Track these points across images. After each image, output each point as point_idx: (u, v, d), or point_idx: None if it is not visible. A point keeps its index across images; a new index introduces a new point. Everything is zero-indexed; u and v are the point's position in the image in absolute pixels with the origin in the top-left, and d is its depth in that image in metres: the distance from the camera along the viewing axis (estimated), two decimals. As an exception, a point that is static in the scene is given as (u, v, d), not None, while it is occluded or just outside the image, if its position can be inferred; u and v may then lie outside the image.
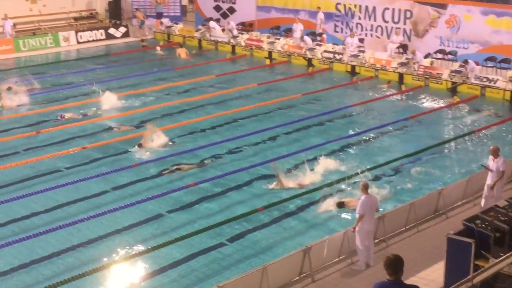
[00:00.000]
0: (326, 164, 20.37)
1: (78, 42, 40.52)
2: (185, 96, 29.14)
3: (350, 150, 22.56)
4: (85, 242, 16.08)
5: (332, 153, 21.88)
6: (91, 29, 41.63)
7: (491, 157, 16.71)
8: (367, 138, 23.76)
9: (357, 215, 14.34)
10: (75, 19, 43.59)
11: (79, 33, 40.85)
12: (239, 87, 30.55)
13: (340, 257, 14.82)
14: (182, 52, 37.29)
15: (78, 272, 14.37)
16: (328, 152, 21.92)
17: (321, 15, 37.26)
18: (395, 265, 8.74)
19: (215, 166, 20.98)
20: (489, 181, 16.74)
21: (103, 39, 41.60)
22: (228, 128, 24.83)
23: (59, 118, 25.30)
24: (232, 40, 38.87)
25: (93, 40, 41.17)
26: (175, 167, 20.59)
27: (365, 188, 14.41)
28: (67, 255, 15.51)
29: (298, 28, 36.79)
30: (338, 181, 19.21)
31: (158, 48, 38.75)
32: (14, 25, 39.24)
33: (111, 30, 42.25)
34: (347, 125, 25.40)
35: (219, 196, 18.72)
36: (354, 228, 14.35)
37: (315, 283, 13.88)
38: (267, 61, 36.12)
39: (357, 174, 19.62)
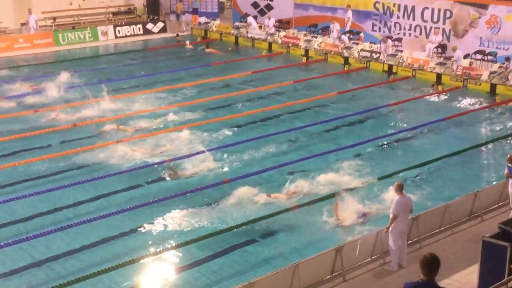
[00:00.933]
0: (357, 165, 20.24)
1: (116, 37, 40.95)
2: (220, 92, 29.22)
3: (384, 150, 22.40)
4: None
5: (366, 153, 21.76)
6: (129, 24, 42.03)
7: (509, 165, 16.42)
8: (402, 138, 23.54)
9: (391, 215, 14.22)
10: (114, 13, 44.03)
11: (117, 28, 41.28)
12: (274, 85, 30.53)
13: (373, 257, 14.72)
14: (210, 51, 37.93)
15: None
16: (362, 152, 21.81)
17: (349, 13, 37.12)
18: (431, 264, 8.63)
19: (249, 163, 20.99)
20: (510, 189, 16.54)
21: (141, 34, 41.97)
22: (262, 125, 24.84)
23: None
24: (268, 37, 38.86)
25: (131, 35, 41.56)
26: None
27: (400, 188, 14.22)
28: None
29: (335, 28, 36.66)
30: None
31: (187, 42, 38.97)
32: (54, 19, 39.86)
33: (149, 25, 42.60)
34: (382, 124, 25.21)
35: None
36: (388, 228, 14.22)
37: (346, 282, 13.81)
38: (304, 59, 36.03)
39: (387, 176, 19.41)
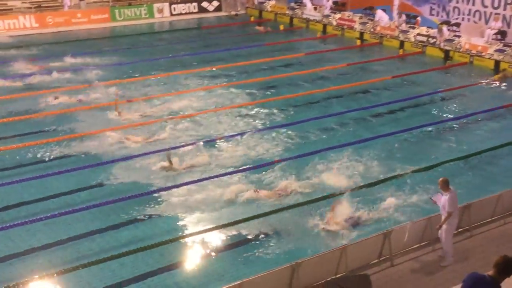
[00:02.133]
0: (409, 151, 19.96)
1: (172, 14, 41.21)
2: (271, 73, 29.14)
3: (438, 137, 22.01)
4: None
5: (418, 139, 21.45)
6: (184, 2, 42.21)
7: None
8: (456, 125, 23.10)
9: (444, 214, 13.53)
10: (170, -9, 44.29)
11: (173, 5, 41.53)
12: (327, 67, 30.30)
13: (422, 243, 14.54)
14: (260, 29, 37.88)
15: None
16: (415, 138, 21.51)
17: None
18: (505, 266, 8.53)
19: (298, 145, 20.95)
20: None
21: (196, 12, 42.13)
22: (315, 107, 24.72)
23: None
24: (323, 19, 38.52)
25: (186, 13, 41.76)
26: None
27: (447, 183, 13.48)
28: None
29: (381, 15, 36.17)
30: (429, 168, 18.80)
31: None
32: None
33: (204, 4, 42.72)
34: (435, 110, 24.76)
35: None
36: (441, 226, 13.65)
37: (394, 267, 13.69)
38: (358, 42, 35.62)
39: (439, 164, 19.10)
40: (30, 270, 13.72)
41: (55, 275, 13.48)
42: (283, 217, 16.04)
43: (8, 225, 15.39)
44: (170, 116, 22.84)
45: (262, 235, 15.30)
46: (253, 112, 23.67)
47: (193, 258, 14.62)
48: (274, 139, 21.14)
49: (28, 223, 15.51)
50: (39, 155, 19.49)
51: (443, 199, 13.49)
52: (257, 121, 22.77)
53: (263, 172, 18.56)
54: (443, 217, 13.58)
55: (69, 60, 29.81)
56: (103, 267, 13.86)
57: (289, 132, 21.78)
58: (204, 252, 14.79)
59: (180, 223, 15.82)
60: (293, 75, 28.73)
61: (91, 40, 34.86)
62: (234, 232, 15.38)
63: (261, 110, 23.89)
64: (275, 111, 23.95)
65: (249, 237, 15.26)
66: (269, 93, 26.24)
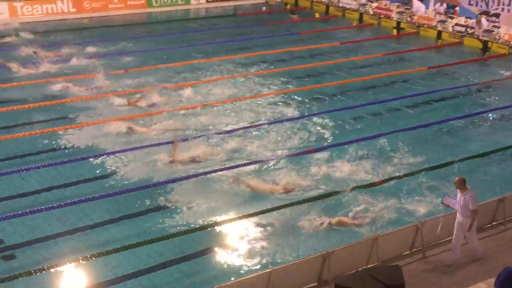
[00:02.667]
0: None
1: (207, 1, 41.20)
2: (306, 62, 28.99)
3: (473, 129, 21.71)
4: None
5: (453, 131, 21.21)
6: (220, -11, 42.18)
7: None
8: (492, 118, 22.74)
9: (463, 214, 13.07)
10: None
11: (209, -8, 41.52)
12: (363, 56, 30.04)
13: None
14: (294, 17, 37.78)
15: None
16: (450, 129, 21.27)
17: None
18: None
19: (332, 134, 20.87)
20: None
21: (231, 0, 42.06)
22: (349, 97, 24.56)
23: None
24: (360, 8, 38.18)
25: (221, 0, 41.69)
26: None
27: (464, 182, 13.09)
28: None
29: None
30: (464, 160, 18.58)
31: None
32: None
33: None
34: (471, 102, 24.41)
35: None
36: (471, 226, 13.15)
37: (426, 259, 13.58)
38: (395, 31, 35.24)
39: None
40: (61, 253, 13.93)
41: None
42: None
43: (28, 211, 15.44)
44: (204, 103, 22.87)
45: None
46: (286, 101, 23.62)
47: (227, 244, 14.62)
48: (308, 128, 21.06)
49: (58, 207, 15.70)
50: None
51: (461, 199, 13.10)
52: (290, 110, 22.72)
53: (301, 161, 18.53)
54: (461, 217, 13.19)
55: (102, 46, 29.98)
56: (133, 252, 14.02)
57: (322, 121, 21.68)
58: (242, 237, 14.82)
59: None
60: (327, 64, 28.54)
61: (127, 26, 35.03)
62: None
63: (295, 99, 23.83)
64: (308, 100, 23.86)
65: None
66: (303, 82, 26.12)
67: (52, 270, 13.25)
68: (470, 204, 13.02)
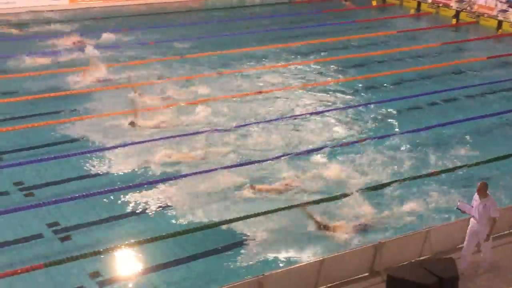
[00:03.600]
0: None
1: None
2: (361, 50, 28.68)
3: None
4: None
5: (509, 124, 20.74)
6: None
7: None
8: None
9: (480, 221, 12.28)
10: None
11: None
12: (420, 46, 29.52)
13: (511, 230, 14.06)
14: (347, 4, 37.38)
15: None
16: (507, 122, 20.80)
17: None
18: None
19: (387, 124, 20.64)
20: None
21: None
22: (405, 86, 24.20)
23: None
24: (418, -4, 37.57)
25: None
26: None
27: (486, 188, 12.32)
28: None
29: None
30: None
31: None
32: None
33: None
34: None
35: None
36: (489, 236, 12.35)
37: (480, 253, 13.28)
38: (453, 21, 34.51)
39: None
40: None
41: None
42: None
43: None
44: (259, 90, 22.91)
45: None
46: (341, 90, 23.44)
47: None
48: (363, 118, 20.89)
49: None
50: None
51: (481, 206, 12.24)
52: (345, 99, 22.56)
53: (357, 150, 18.46)
54: (477, 224, 12.37)
55: (158, 33, 30.24)
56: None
57: (378, 111, 21.45)
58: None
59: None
60: (384, 53, 28.18)
61: (180, 13, 35.25)
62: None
63: (350, 88, 23.63)
64: (364, 89, 23.65)
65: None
66: (358, 71, 25.86)
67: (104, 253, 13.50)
68: (492, 211, 12.19)
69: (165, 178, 16.59)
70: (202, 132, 19.30)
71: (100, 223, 14.74)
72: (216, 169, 16.93)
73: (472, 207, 12.43)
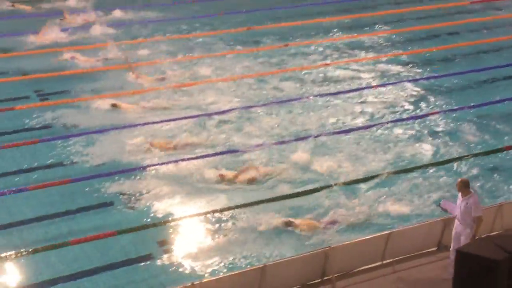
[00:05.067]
0: None
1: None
2: (429, 22, 27.81)
3: None
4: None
5: None
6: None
7: None
8: None
9: (463, 222, 11.41)
10: None
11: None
12: (493, 17, 28.53)
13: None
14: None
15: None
16: None
17: None
18: None
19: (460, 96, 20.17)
20: None
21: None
22: (479, 58, 23.52)
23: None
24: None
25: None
26: None
27: (467, 185, 11.53)
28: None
29: None
30: None
31: None
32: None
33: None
34: None
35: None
36: (475, 237, 11.41)
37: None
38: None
39: None
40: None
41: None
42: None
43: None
44: (324, 62, 22.64)
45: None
46: (411, 61, 22.97)
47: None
48: (433, 90, 20.55)
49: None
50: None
51: (462, 204, 11.41)
52: (415, 72, 22.10)
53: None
54: (460, 225, 11.50)
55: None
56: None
57: (451, 83, 21.04)
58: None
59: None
60: (455, 25, 27.32)
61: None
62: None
63: (420, 60, 23.13)
64: (435, 61, 23.13)
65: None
66: (427, 43, 25.21)
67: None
68: (474, 210, 11.31)
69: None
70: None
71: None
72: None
73: (456, 206, 11.64)
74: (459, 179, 11.77)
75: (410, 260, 12.11)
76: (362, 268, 11.81)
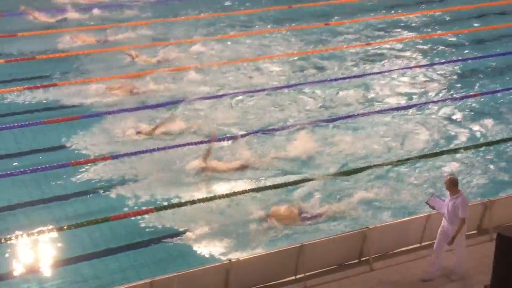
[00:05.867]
0: None
1: None
2: (474, 1, 27.04)
3: None
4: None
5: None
6: None
7: None
8: None
9: (451, 222, 10.78)
10: None
11: None
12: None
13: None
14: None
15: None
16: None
17: None
18: None
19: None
20: None
21: None
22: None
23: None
24: None
25: None
26: None
27: (456, 184, 10.87)
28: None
29: None
30: None
31: None
32: None
33: None
34: None
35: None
36: (454, 238, 10.77)
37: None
38: None
39: None
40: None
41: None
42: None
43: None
44: (367, 42, 22.41)
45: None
46: (458, 41, 22.67)
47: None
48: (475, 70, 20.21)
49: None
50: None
51: (450, 203, 10.82)
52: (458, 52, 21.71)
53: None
54: (447, 224, 10.91)
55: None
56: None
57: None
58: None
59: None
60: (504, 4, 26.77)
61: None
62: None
63: (465, 40, 22.79)
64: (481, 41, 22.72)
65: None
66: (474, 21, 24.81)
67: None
68: (460, 211, 10.70)
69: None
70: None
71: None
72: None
73: (445, 203, 11.03)
74: (448, 177, 11.17)
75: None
76: (400, 249, 11.71)
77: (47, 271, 11.79)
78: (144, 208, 13.18)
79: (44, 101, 17.89)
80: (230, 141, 15.80)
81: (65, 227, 12.65)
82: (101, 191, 13.86)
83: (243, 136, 16.06)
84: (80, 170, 14.54)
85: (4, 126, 16.43)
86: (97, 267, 11.70)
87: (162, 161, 14.96)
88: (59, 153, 15.36)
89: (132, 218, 12.91)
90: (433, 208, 11.22)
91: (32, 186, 14.07)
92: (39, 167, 14.61)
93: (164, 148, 15.42)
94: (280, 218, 12.84)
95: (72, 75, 19.47)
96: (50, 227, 12.67)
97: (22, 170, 14.53)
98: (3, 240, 12.31)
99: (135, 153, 15.18)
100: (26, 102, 17.82)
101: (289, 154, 15.23)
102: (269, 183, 14.24)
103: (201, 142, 15.59)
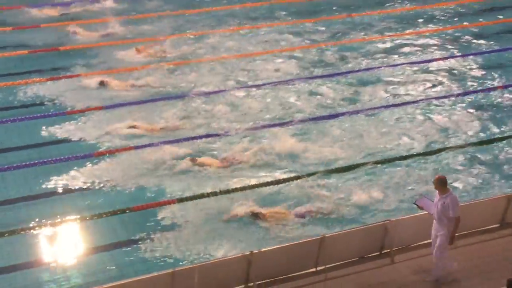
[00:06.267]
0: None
1: None
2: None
3: None
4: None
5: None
6: None
7: None
8: None
9: (440, 222, 10.58)
10: None
11: None
12: None
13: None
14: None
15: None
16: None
17: None
18: None
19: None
20: None
21: None
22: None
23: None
24: None
25: None
26: None
27: (445, 183, 10.61)
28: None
29: None
30: None
31: None
32: None
33: None
34: None
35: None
36: (454, 239, 10.63)
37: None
38: None
39: None
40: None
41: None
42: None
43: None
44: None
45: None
46: (475, 34, 22.49)
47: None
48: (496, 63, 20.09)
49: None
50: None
51: (439, 203, 10.54)
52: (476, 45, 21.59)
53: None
54: (436, 224, 10.71)
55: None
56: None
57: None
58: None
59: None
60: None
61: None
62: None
63: (485, 32, 22.61)
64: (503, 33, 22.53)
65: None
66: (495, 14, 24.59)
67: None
68: (451, 210, 10.44)
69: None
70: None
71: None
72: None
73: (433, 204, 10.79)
74: (436, 176, 10.86)
75: (471, 236, 11.92)
76: (421, 242, 11.67)
77: (69, 260, 11.94)
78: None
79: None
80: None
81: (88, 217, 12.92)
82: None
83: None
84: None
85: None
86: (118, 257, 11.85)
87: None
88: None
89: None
90: (421, 208, 11.02)
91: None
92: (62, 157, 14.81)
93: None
94: (273, 215, 12.75)
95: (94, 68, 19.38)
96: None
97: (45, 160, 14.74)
98: (24, 230, 12.52)
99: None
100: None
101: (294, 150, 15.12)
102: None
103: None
